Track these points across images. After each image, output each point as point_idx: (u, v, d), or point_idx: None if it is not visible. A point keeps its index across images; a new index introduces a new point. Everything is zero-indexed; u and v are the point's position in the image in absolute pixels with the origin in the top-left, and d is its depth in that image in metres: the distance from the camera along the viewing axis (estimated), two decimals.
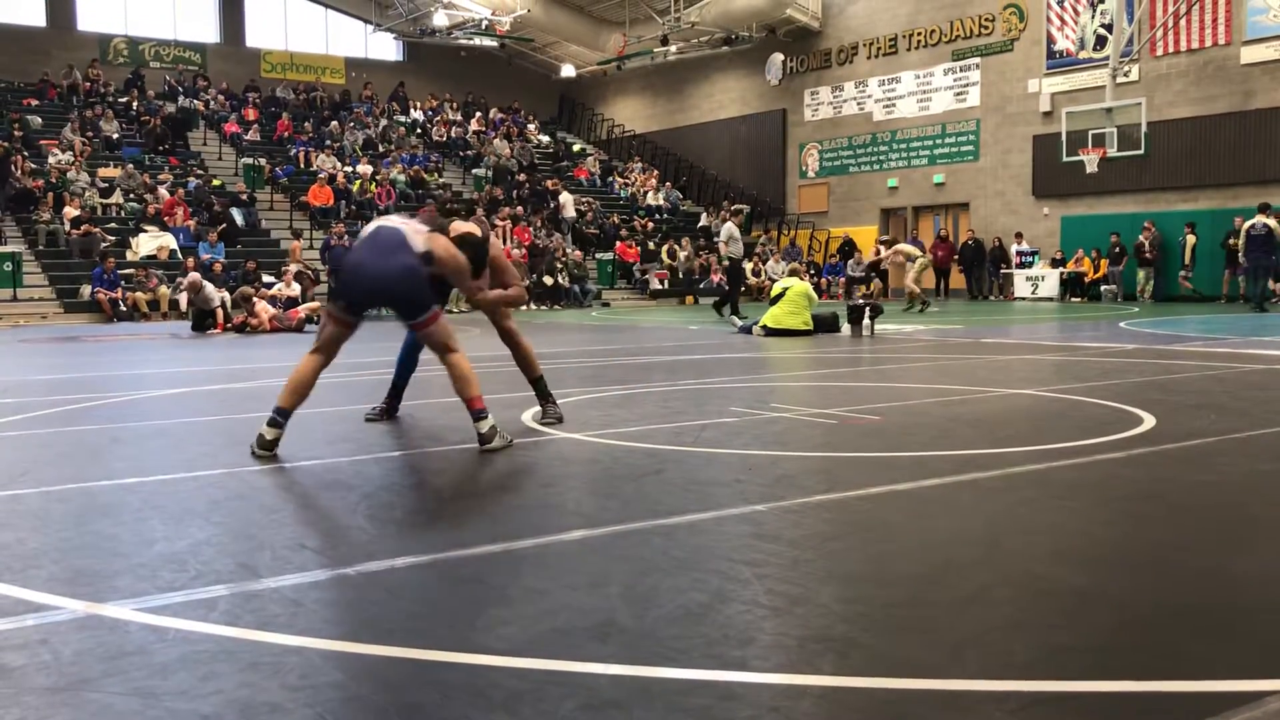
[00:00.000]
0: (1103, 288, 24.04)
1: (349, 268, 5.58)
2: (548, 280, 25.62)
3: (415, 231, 5.57)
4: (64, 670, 2.54)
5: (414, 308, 5.53)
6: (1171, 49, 23.39)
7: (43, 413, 7.15)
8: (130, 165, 26.36)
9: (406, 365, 6.77)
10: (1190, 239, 22.77)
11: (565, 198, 30.20)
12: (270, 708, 2.31)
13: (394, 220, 5.69)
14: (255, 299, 17.69)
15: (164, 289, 21.07)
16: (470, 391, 5.44)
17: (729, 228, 17.41)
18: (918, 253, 21.01)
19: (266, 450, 5.34)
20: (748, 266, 27.18)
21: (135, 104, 29.96)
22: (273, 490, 4.68)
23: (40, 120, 28.00)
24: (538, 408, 6.60)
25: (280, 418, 5.41)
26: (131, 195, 25.42)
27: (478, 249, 5.96)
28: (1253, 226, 18.42)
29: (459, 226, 6.07)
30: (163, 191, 25.34)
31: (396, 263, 5.41)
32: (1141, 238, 23.21)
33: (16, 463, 5.33)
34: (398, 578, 3.28)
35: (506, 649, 2.63)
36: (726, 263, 18.02)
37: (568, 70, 36.71)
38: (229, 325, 17.49)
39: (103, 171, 25.97)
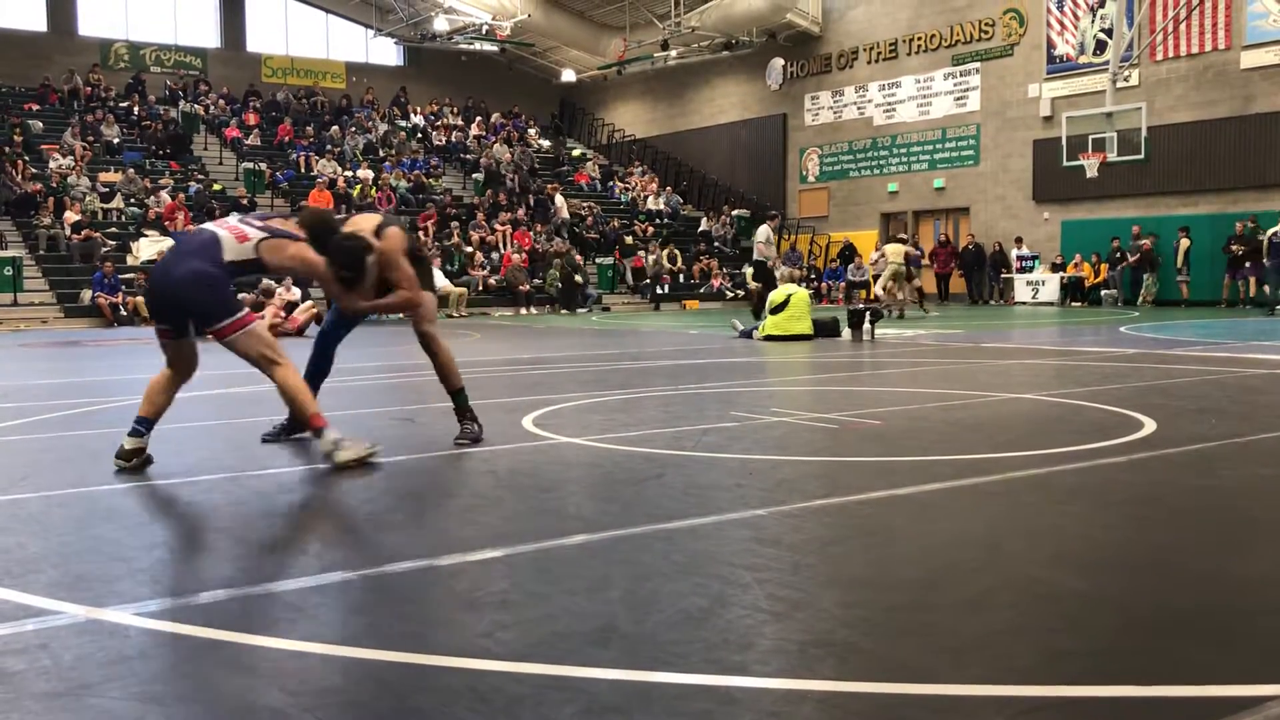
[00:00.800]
0: (1103, 292, 24.04)
1: (150, 275, 5.30)
2: (578, 279, 25.70)
3: (239, 236, 5.10)
4: (64, 675, 2.54)
5: (204, 316, 5.08)
6: (1171, 54, 23.39)
7: (43, 417, 7.15)
8: (131, 170, 26.40)
9: (321, 370, 6.13)
10: (1184, 243, 22.79)
11: (559, 200, 30.23)
12: (271, 713, 2.31)
13: (228, 221, 5.30)
14: (270, 300, 17.72)
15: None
16: (306, 410, 5.04)
17: (765, 230, 17.42)
18: (898, 261, 20.31)
19: (125, 460, 5.12)
20: (748, 271, 27.16)
21: (136, 109, 30.00)
22: (273, 495, 4.68)
23: (41, 125, 28.05)
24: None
25: (141, 427, 5.21)
26: (132, 200, 25.45)
27: (354, 253, 5.30)
28: (1275, 234, 19.14)
29: (357, 222, 5.63)
30: (163, 196, 25.37)
31: (183, 269, 5.03)
32: (1147, 242, 23.18)
33: (17, 467, 5.33)
34: (398, 582, 3.28)
35: (507, 654, 2.63)
36: (753, 267, 17.95)
37: (568, 75, 36.75)
38: None
39: (103, 176, 26.00)
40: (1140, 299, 23.29)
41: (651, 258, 28.33)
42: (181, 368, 5.35)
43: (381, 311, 5.73)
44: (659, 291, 27.57)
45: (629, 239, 29.68)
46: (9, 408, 7.72)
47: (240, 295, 5.87)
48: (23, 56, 30.69)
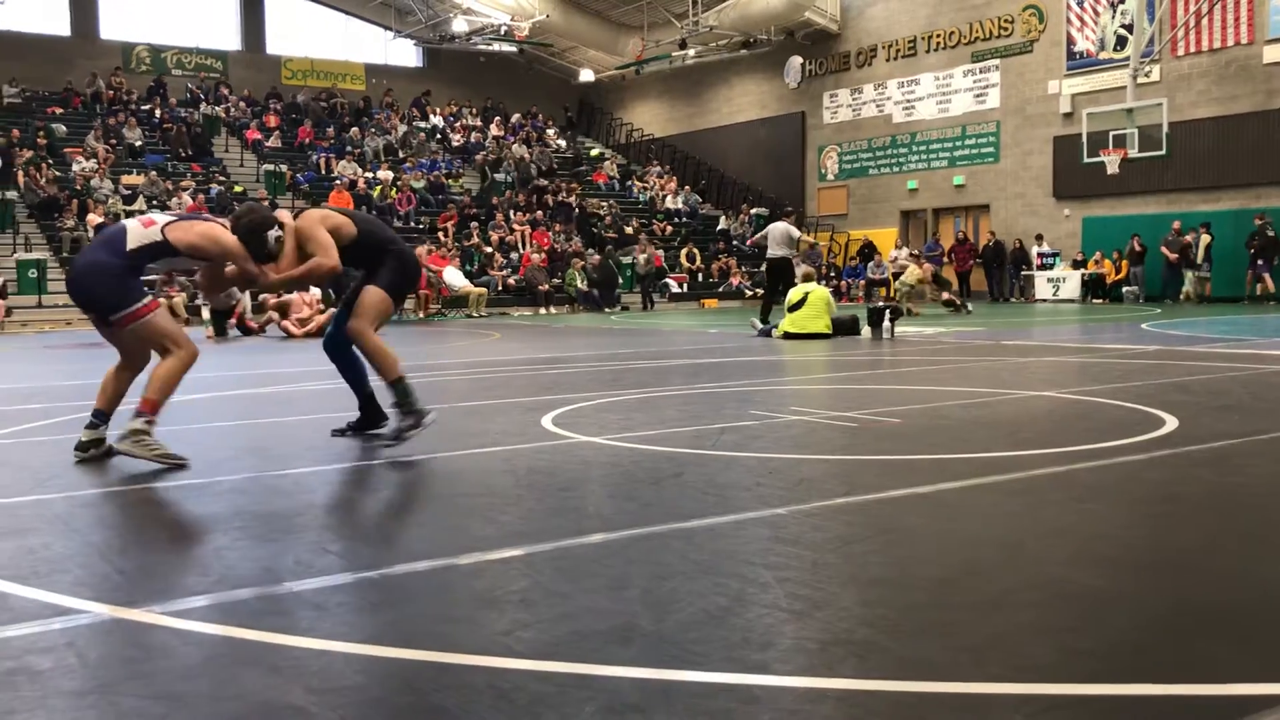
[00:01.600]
0: (1124, 289, 23.90)
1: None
2: (618, 278, 25.67)
3: (145, 223, 5.26)
4: (90, 674, 2.57)
5: (104, 305, 5.21)
6: (1193, 49, 23.24)
7: (68, 418, 7.21)
8: (153, 172, 26.57)
9: (351, 371, 6.01)
10: (1205, 238, 22.62)
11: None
12: (293, 711, 2.33)
13: (138, 216, 5.43)
14: (303, 294, 17.86)
15: (179, 298, 21.12)
16: (149, 393, 5.14)
17: (788, 227, 17.47)
18: (915, 280, 20.38)
19: (83, 451, 5.35)
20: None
21: (158, 111, 30.21)
22: (295, 494, 4.71)
23: (64, 128, 28.28)
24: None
25: (97, 419, 5.39)
26: (154, 202, 25.61)
27: (249, 226, 5.35)
28: None
29: (282, 214, 5.68)
30: (185, 198, 25.53)
31: (85, 260, 5.26)
32: (1187, 238, 22.85)
33: (42, 467, 5.38)
34: (419, 581, 3.30)
35: (528, 652, 2.64)
36: (773, 260, 17.92)
37: (586, 75, 36.78)
38: (251, 328, 17.71)
39: (126, 179, 26.19)
40: (1183, 295, 22.94)
41: (642, 256, 27.16)
42: (129, 360, 5.47)
43: (291, 279, 5.66)
44: (675, 290, 27.45)
45: (627, 229, 29.55)
46: (35, 409, 7.79)
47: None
48: (46, 60, 30.94)
